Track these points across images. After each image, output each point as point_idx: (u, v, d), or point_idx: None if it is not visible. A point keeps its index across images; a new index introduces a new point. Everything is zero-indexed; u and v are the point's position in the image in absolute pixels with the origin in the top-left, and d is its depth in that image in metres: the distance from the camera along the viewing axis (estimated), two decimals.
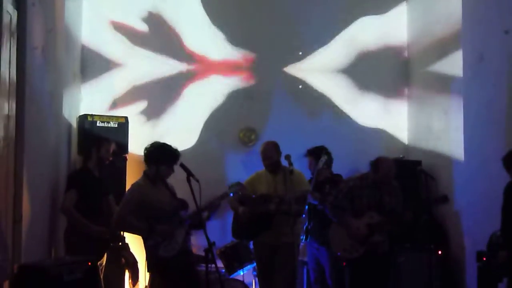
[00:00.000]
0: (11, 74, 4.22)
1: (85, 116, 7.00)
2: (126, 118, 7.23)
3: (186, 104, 8.06)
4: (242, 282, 6.82)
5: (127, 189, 5.89)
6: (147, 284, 6.14)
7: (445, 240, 7.14)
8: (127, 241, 6.35)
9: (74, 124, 7.06)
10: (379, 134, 8.29)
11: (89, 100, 7.68)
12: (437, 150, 7.47)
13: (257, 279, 6.51)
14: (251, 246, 6.61)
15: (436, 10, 7.62)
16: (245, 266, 6.70)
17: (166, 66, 8.05)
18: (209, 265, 5.01)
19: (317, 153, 6.72)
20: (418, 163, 7.51)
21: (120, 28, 7.95)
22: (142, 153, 5.46)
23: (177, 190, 5.53)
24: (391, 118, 8.35)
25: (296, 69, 8.28)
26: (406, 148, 8.25)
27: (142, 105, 7.95)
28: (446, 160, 7.20)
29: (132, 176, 6.61)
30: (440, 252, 6.83)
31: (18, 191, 4.41)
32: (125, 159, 7.11)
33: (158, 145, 5.45)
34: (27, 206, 4.59)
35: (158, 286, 5.81)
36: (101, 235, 5.59)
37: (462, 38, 6.88)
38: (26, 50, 4.52)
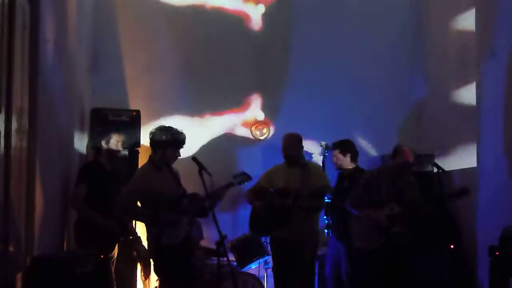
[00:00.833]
0: (24, 67, 4.23)
1: (97, 109, 7.00)
2: (138, 111, 7.21)
3: None
4: (254, 275, 6.80)
5: None
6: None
7: (457, 234, 7.09)
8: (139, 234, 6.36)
9: (87, 117, 7.07)
10: None
11: (102, 93, 7.67)
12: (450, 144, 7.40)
13: (269, 272, 6.50)
14: (263, 240, 6.60)
15: None
16: (256, 259, 6.67)
17: None
18: (221, 258, 5.00)
19: (346, 146, 6.47)
20: (431, 156, 7.46)
21: (132, 22, 7.93)
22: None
23: (189, 184, 5.51)
24: None
25: None
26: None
27: (155, 98, 7.94)
28: (459, 154, 7.13)
29: None
30: (452, 246, 6.79)
31: (31, 183, 4.42)
32: (138, 152, 7.10)
33: (164, 128, 5.44)
34: (39, 198, 4.60)
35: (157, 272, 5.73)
36: (110, 228, 5.59)
37: None
38: (38, 43, 4.52)
